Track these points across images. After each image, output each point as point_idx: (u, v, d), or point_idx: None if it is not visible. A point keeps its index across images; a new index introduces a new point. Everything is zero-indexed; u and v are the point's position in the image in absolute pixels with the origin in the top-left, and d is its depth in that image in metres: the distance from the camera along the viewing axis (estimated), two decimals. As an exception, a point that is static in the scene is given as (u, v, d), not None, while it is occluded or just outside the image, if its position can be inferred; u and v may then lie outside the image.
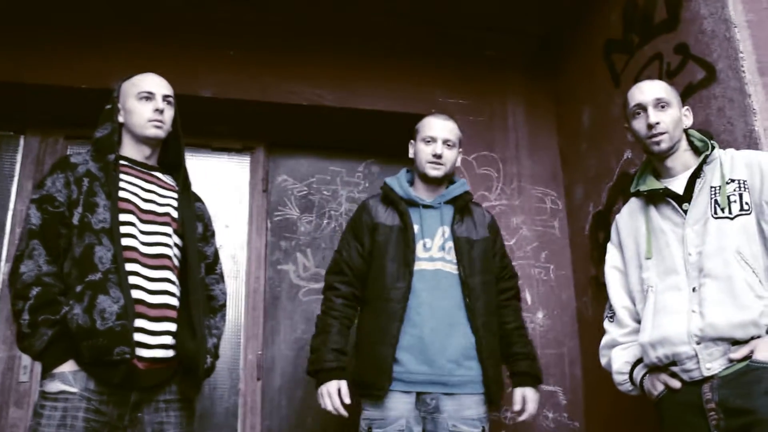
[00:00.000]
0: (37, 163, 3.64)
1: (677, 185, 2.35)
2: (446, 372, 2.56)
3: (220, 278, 2.64)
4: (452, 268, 2.70)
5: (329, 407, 2.54)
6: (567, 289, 3.69)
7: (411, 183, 2.88)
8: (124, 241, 2.26)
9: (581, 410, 3.54)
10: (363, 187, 4.05)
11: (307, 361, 2.68)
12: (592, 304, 3.51)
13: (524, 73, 4.06)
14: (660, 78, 3.03)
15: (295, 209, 3.95)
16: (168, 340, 2.26)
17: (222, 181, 3.90)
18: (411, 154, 2.90)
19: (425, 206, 2.79)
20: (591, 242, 3.54)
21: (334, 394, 2.54)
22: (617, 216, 2.58)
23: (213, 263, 2.63)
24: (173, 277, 2.37)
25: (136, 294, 2.22)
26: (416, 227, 2.73)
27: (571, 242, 3.77)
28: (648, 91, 2.42)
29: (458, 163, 2.91)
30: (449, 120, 2.90)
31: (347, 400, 2.54)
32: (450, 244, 2.73)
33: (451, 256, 2.71)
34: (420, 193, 2.83)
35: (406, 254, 2.67)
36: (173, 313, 2.31)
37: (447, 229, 2.76)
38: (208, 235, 2.64)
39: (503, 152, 3.84)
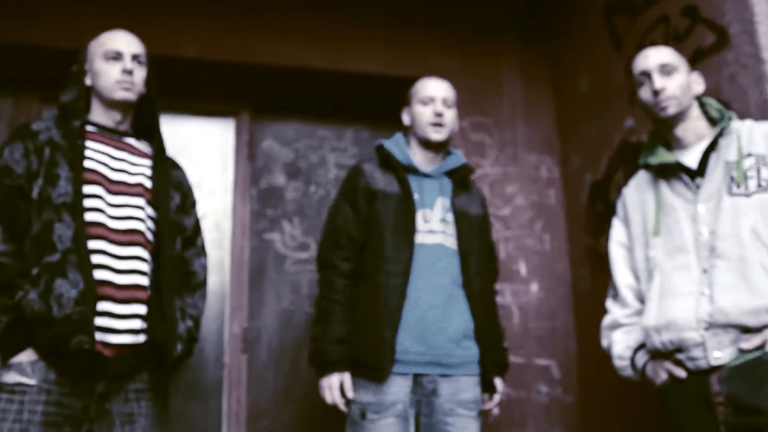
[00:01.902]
0: (10, 128, 3.45)
1: (690, 158, 2.21)
2: (445, 352, 2.43)
3: (201, 252, 2.45)
4: (453, 243, 2.56)
5: (330, 401, 2.40)
6: (562, 261, 3.58)
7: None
8: (89, 216, 2.07)
9: (575, 385, 3.46)
10: (352, 153, 3.90)
11: (308, 348, 2.52)
12: (588, 276, 3.41)
13: (519, 34, 3.90)
14: (666, 43, 2.89)
15: (282, 176, 3.79)
16: (137, 324, 2.09)
17: (205, 146, 3.74)
18: (406, 121, 2.73)
19: (425, 175, 2.64)
20: (588, 213, 3.43)
21: (335, 389, 2.39)
22: (624, 189, 2.45)
23: (193, 236, 2.44)
24: (145, 254, 2.18)
25: (101, 275, 2.04)
26: (416, 196, 2.58)
27: (567, 212, 3.65)
28: (652, 57, 2.27)
29: (457, 128, 2.76)
30: (444, 81, 2.73)
31: (350, 395, 2.39)
32: (450, 216, 2.58)
33: (452, 230, 2.57)
34: (418, 160, 2.67)
35: (408, 225, 2.51)
36: (143, 294, 2.13)
37: (447, 201, 2.61)
38: (188, 205, 2.45)
39: (497, 117, 3.70)
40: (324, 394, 2.41)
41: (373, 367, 2.38)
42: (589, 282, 3.40)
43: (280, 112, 3.89)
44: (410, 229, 2.51)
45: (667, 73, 2.24)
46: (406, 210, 2.54)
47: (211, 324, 3.44)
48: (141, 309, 2.11)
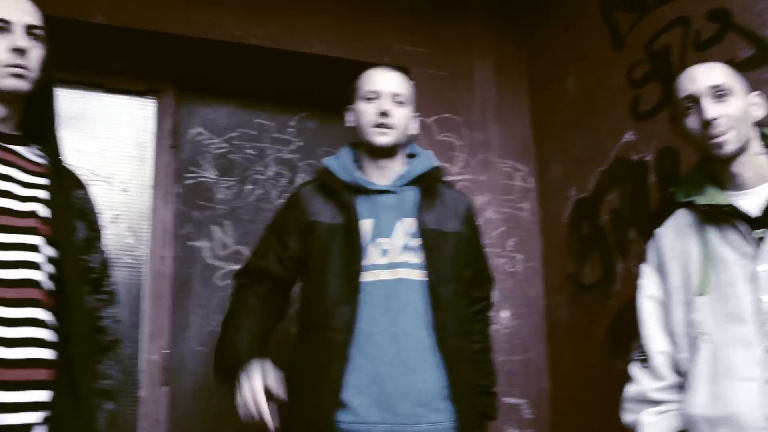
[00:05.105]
0: None
1: (750, 202, 1.80)
2: (414, 420, 1.94)
3: (110, 299, 1.86)
4: (417, 275, 2.05)
5: (253, 410, 1.85)
6: (535, 285, 3.18)
7: (357, 163, 2.21)
8: None
9: (548, 427, 3.09)
10: (296, 146, 3.35)
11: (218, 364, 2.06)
12: (567, 306, 3.02)
13: (493, 19, 3.43)
14: (684, 50, 2.50)
15: (212, 171, 3.21)
16: (35, 416, 1.51)
17: (119, 131, 3.11)
18: (350, 122, 2.22)
19: (379, 192, 2.13)
20: (571, 233, 3.03)
21: (257, 389, 1.86)
22: (658, 231, 2.01)
23: (100, 277, 1.84)
24: (44, 315, 1.59)
25: None
26: (368, 222, 2.07)
27: (543, 229, 3.24)
28: (701, 77, 1.84)
29: (415, 130, 2.25)
30: (395, 72, 2.22)
31: (280, 393, 1.90)
32: (416, 242, 2.07)
33: (418, 257, 2.06)
34: (370, 174, 2.16)
35: (351, 263, 2.02)
36: (44, 374, 1.55)
37: (411, 222, 2.10)
38: (93, 237, 1.84)
39: (468, 116, 3.23)
40: (243, 404, 1.87)
41: None
42: (567, 312, 3.02)
43: (212, 94, 3.30)
44: (354, 269, 2.02)
45: (720, 96, 1.81)
46: (349, 244, 2.05)
47: (124, 350, 2.83)
48: (42, 395, 1.53)
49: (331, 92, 3.32)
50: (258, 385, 1.87)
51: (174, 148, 3.14)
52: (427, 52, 3.25)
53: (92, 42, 2.92)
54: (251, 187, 3.25)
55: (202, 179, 3.19)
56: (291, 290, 2.19)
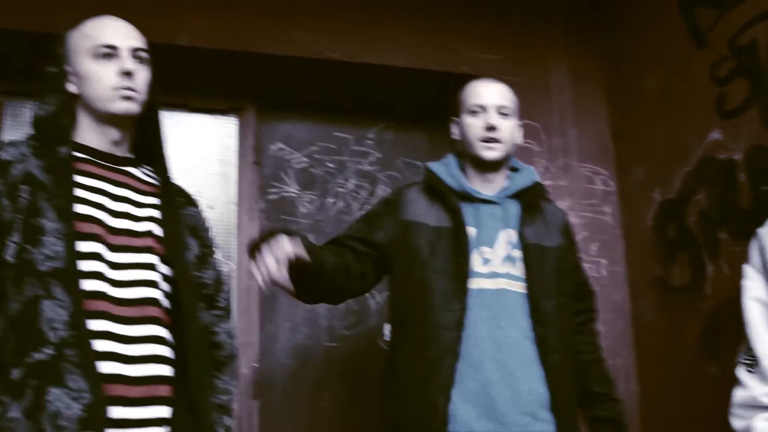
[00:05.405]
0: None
1: None
2: (520, 429, 1.94)
3: (225, 314, 1.88)
4: (519, 287, 2.05)
5: (270, 264, 1.71)
6: (620, 289, 3.12)
7: (462, 172, 2.22)
8: (87, 285, 1.51)
9: (637, 430, 3.01)
10: (374, 158, 3.37)
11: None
12: (654, 309, 2.97)
13: (567, 23, 3.40)
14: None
15: (294, 185, 3.25)
16: None
17: (202, 150, 3.18)
18: (455, 135, 2.24)
19: (483, 201, 2.14)
20: (656, 235, 2.97)
21: (279, 248, 1.73)
22: (761, 230, 1.96)
23: (214, 293, 1.86)
24: (163, 332, 1.61)
25: (108, 368, 1.48)
26: (472, 230, 2.08)
27: (626, 232, 3.18)
28: None
29: (520, 139, 2.26)
30: (499, 83, 2.24)
31: (301, 251, 1.77)
32: (517, 253, 2.08)
33: (519, 269, 2.07)
34: (475, 184, 2.17)
35: (460, 266, 2.02)
36: (166, 390, 1.57)
37: (513, 234, 2.11)
38: (206, 253, 1.87)
39: (546, 121, 3.21)
40: (260, 262, 1.72)
41: None
42: (655, 316, 2.96)
43: (291, 109, 3.33)
44: (463, 272, 2.02)
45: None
46: (458, 247, 2.05)
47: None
48: (163, 411, 1.55)
49: (407, 103, 3.37)
50: (283, 248, 1.74)
51: (257, 164, 3.19)
52: (503, 59, 3.23)
53: (176, 64, 2.98)
54: (332, 200, 3.28)
55: (284, 194, 3.23)
56: (368, 273, 2.12)
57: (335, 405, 3.05)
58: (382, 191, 3.27)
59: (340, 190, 3.30)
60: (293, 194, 3.24)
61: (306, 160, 3.29)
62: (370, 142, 3.39)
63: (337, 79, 3.21)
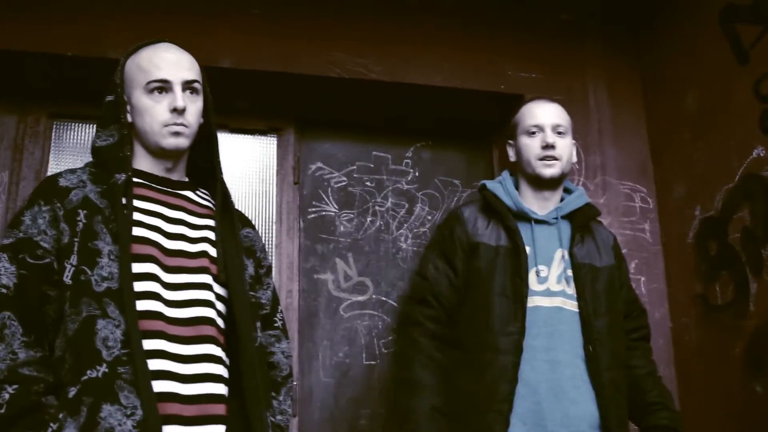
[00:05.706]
0: (14, 149, 2.92)
1: None
2: None
3: (282, 334, 1.92)
4: (573, 306, 2.08)
5: None
6: (660, 307, 3.10)
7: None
8: (142, 305, 1.54)
9: (680, 453, 2.99)
10: (412, 176, 3.38)
11: (399, 421, 2.09)
12: (695, 327, 2.94)
13: (605, 40, 3.39)
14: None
15: (333, 204, 3.28)
16: None
17: (242, 169, 3.21)
18: (512, 157, 2.28)
19: (537, 221, 2.16)
20: (697, 253, 2.94)
21: None
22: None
23: (271, 314, 1.91)
24: (219, 352, 1.64)
25: (162, 386, 1.51)
26: (528, 249, 2.11)
27: (665, 250, 3.16)
28: None
29: (575, 158, 2.30)
30: (554, 103, 2.29)
31: None
32: (570, 272, 2.11)
33: (572, 289, 2.09)
34: (530, 203, 2.21)
35: (518, 286, 2.05)
36: (221, 409, 1.60)
37: (566, 253, 2.13)
38: (262, 273, 1.91)
39: (584, 139, 3.20)
40: None
41: None
42: (696, 333, 2.93)
43: (330, 128, 3.36)
44: (522, 292, 2.04)
45: None
46: (516, 267, 2.06)
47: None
48: (218, 430, 1.58)
49: (445, 122, 3.39)
50: None
51: (296, 183, 3.22)
52: (541, 77, 3.24)
53: (218, 85, 3.02)
54: (371, 218, 3.30)
55: (324, 213, 3.26)
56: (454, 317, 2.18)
57: (374, 423, 3.04)
58: (420, 210, 3.29)
59: (379, 208, 3.32)
60: (332, 213, 3.26)
61: (344, 179, 3.32)
62: (408, 160, 3.40)
63: (376, 99, 3.24)
